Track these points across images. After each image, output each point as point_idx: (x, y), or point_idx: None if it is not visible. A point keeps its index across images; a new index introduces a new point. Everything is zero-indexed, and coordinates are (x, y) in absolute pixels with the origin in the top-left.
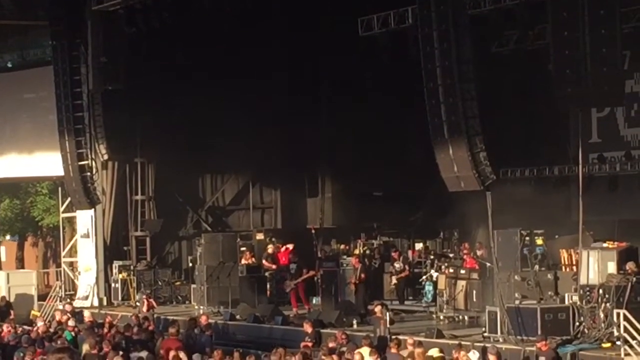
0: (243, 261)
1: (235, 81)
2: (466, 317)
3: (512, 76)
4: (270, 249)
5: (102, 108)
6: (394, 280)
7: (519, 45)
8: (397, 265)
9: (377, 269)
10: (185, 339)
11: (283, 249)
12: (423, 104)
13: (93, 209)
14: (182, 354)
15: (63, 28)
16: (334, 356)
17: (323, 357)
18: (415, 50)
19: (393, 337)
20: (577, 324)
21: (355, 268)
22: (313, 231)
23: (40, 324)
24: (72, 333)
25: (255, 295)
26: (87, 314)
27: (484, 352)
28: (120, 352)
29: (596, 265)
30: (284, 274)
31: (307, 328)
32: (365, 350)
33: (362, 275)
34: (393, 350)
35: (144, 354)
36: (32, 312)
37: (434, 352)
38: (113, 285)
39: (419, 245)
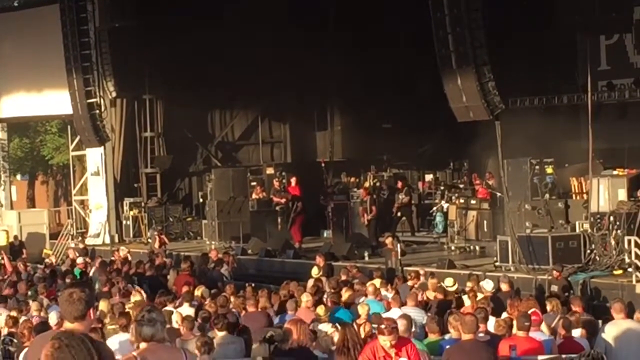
0: (254, 196)
1: (239, 14)
2: (477, 247)
3: (519, 4)
4: (276, 183)
5: (109, 45)
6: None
7: None
8: (401, 196)
9: (386, 200)
10: (198, 274)
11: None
12: (430, 34)
13: (102, 147)
14: (195, 289)
15: None
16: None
17: (333, 290)
18: None
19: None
20: (588, 251)
21: (364, 200)
22: (323, 164)
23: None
24: (83, 270)
25: (266, 230)
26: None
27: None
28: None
29: (606, 192)
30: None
31: (319, 261)
32: (377, 282)
33: (372, 208)
34: (409, 283)
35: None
36: (45, 250)
37: (449, 282)
38: (124, 222)
39: (429, 177)
